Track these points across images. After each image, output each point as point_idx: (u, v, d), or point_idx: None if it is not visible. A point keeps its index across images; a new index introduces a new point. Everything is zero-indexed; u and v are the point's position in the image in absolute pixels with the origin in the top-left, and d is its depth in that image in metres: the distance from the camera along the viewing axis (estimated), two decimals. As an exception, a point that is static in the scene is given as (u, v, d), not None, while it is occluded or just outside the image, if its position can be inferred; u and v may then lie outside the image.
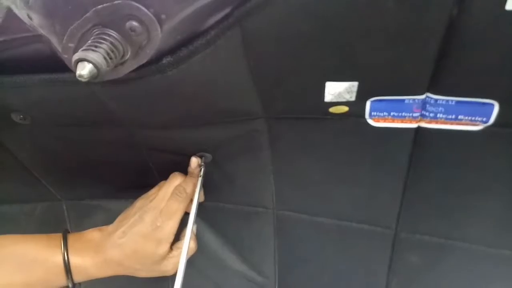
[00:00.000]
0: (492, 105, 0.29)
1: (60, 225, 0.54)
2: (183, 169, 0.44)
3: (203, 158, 0.43)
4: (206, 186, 0.46)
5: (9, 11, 0.27)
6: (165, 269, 0.41)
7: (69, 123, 0.38)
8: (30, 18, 0.27)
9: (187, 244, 0.38)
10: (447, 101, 0.30)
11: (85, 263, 0.39)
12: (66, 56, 0.27)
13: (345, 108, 0.34)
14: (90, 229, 0.43)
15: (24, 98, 0.34)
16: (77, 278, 0.39)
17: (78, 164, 0.46)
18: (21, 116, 0.37)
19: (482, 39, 0.25)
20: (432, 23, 0.24)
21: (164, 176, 0.45)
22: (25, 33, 0.29)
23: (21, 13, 0.27)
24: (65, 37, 0.26)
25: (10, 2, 0.27)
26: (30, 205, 0.54)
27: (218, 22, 0.26)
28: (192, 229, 0.45)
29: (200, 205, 0.48)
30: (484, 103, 0.30)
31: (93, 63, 0.24)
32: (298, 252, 0.47)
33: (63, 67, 0.29)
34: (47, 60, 0.31)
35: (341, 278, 0.45)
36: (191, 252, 0.43)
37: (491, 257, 0.37)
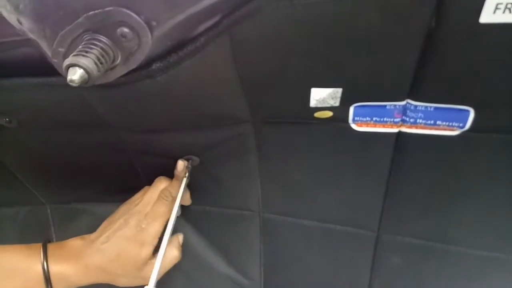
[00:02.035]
0: (468, 111, 0.31)
1: (44, 229, 0.54)
2: (171, 172, 0.44)
3: (190, 161, 0.43)
4: (192, 189, 0.47)
5: (-1, 15, 0.28)
6: (146, 275, 0.40)
7: (56, 126, 0.38)
8: (20, 23, 0.27)
9: (164, 247, 0.38)
10: (426, 107, 0.32)
11: (66, 271, 0.38)
12: (55, 60, 0.28)
13: (329, 113, 0.35)
14: (73, 238, 0.42)
15: (10, 101, 0.34)
16: (58, 286, 0.38)
17: (64, 167, 0.46)
18: (7, 119, 0.37)
19: (459, 50, 0.26)
20: (412, 34, 0.26)
21: (151, 180, 0.45)
22: (13, 37, 0.29)
23: (10, 17, 0.27)
24: (55, 42, 0.26)
25: (0, 6, 0.27)
26: (13, 209, 0.53)
27: (208, 29, 0.27)
28: (178, 239, 0.45)
29: (186, 209, 0.49)
30: (460, 109, 0.31)
31: (84, 69, 0.24)
32: (283, 255, 0.47)
33: (51, 71, 0.29)
34: (35, 64, 0.31)
35: (326, 279, 0.46)
36: (175, 261, 0.43)
37: (470, 258, 0.38)
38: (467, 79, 0.28)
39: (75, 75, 0.24)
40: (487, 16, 0.23)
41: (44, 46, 0.28)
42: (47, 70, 0.30)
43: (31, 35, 0.28)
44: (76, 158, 0.44)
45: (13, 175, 0.47)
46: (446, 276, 0.40)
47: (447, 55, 0.27)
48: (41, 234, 0.54)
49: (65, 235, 0.53)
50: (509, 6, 0.22)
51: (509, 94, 0.29)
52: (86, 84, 0.25)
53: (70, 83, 0.24)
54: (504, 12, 0.22)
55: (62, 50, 0.27)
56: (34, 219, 0.54)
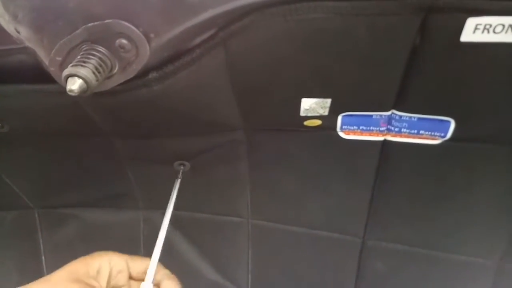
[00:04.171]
0: (449, 122, 0.33)
1: (32, 234, 0.53)
2: (161, 178, 0.45)
3: (181, 166, 0.44)
4: (182, 195, 0.47)
5: (-5, 23, 0.28)
6: None
7: (48, 132, 0.38)
8: (18, 32, 0.27)
9: (153, 272, 0.35)
10: (410, 117, 0.34)
11: None
12: (52, 69, 0.28)
13: (318, 122, 0.36)
14: None
15: (3, 107, 0.34)
16: None
17: (55, 172, 0.46)
18: (-1, 124, 0.37)
19: (440, 65, 0.28)
20: (398, 49, 0.27)
21: (142, 185, 0.45)
22: (10, 45, 0.29)
23: (8, 26, 0.27)
24: (53, 51, 0.27)
25: (-2, 15, 0.27)
26: (0, 213, 0.53)
27: (204, 42, 0.28)
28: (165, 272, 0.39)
29: (175, 215, 0.49)
30: (442, 120, 0.33)
31: (83, 79, 0.25)
32: (271, 261, 0.48)
33: (46, 78, 0.30)
34: (30, 71, 0.31)
35: (312, 285, 0.47)
36: None
37: (450, 263, 0.40)
38: (448, 92, 0.30)
39: (74, 85, 0.25)
40: (467, 36, 0.24)
41: (41, 54, 0.28)
42: (42, 77, 0.30)
43: (28, 44, 0.28)
44: (67, 163, 0.44)
45: (1, 179, 0.47)
46: (430, 281, 0.42)
47: (430, 70, 0.28)
48: (28, 239, 0.54)
49: (53, 240, 0.54)
50: (487, 26, 0.24)
51: (488, 106, 0.31)
52: (85, 94, 0.25)
53: (70, 93, 0.24)
54: (483, 32, 0.24)
55: (59, 59, 0.27)
56: (22, 223, 0.53)
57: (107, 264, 0.35)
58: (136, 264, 0.37)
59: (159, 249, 0.37)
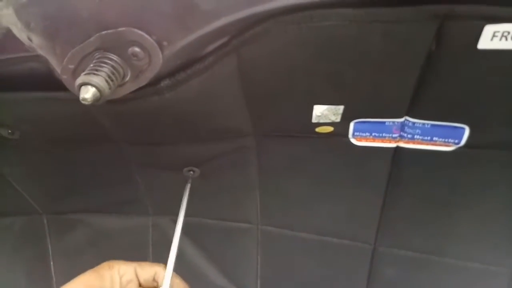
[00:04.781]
0: (464, 128, 0.32)
1: (40, 240, 0.53)
2: (170, 184, 0.44)
3: (191, 172, 0.44)
4: (191, 201, 0.47)
5: (8, 31, 0.28)
6: None
7: (58, 139, 0.38)
8: (30, 40, 0.27)
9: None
10: (424, 124, 0.33)
11: None
12: (65, 77, 0.28)
13: (330, 128, 0.36)
14: None
15: (14, 114, 0.34)
16: None
17: (64, 178, 0.46)
18: (9, 131, 0.37)
19: (456, 72, 0.27)
20: (413, 56, 0.27)
21: (151, 191, 0.45)
22: (22, 53, 0.29)
23: (21, 34, 0.27)
24: (65, 59, 0.27)
25: (11, 23, 0.27)
26: (9, 219, 0.53)
27: (216, 49, 0.27)
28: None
29: (184, 221, 0.49)
30: (456, 127, 0.32)
31: (96, 87, 0.25)
32: (281, 267, 0.48)
33: (57, 86, 0.30)
34: (42, 78, 0.31)
35: None
36: None
37: (464, 270, 0.40)
38: (463, 99, 0.30)
39: (87, 94, 0.24)
40: (484, 43, 0.24)
41: (54, 62, 0.28)
42: (54, 85, 0.30)
43: (40, 52, 0.28)
44: (77, 169, 0.44)
45: (10, 185, 0.47)
46: None
47: (445, 77, 0.28)
48: (36, 244, 0.54)
49: (61, 246, 0.53)
50: (505, 34, 0.23)
51: (502, 113, 0.30)
52: (98, 102, 0.25)
53: (83, 102, 0.24)
54: (500, 39, 0.23)
55: (72, 67, 0.27)
56: (30, 229, 0.53)
57: (117, 274, 0.35)
58: (144, 271, 0.37)
59: (173, 257, 0.36)
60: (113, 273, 0.34)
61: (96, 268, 0.34)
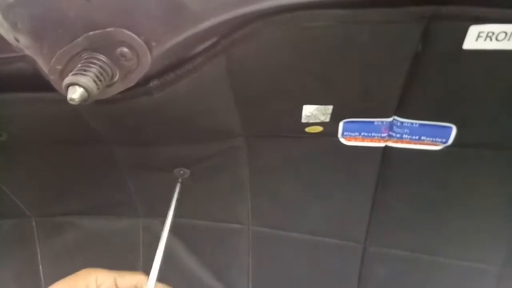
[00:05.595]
0: (451, 128, 0.33)
1: (29, 243, 0.53)
2: (161, 185, 0.44)
3: (181, 173, 0.44)
4: (182, 203, 0.47)
5: (-6, 32, 0.27)
6: None
7: (47, 140, 0.38)
8: (17, 40, 0.27)
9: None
10: (412, 123, 0.33)
11: None
12: (52, 77, 0.28)
13: (320, 128, 0.36)
14: None
15: (2, 115, 0.34)
16: None
17: (53, 180, 0.45)
18: (-4, 132, 0.37)
19: (442, 72, 0.28)
20: (400, 56, 0.27)
21: (141, 192, 0.45)
22: (9, 53, 0.29)
23: (7, 35, 0.27)
24: (53, 60, 0.27)
25: (-3, 24, 0.27)
26: None
27: (205, 50, 0.27)
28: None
29: (174, 222, 0.49)
30: (444, 126, 0.33)
31: (84, 87, 0.24)
32: (272, 268, 0.48)
33: (45, 86, 0.29)
34: (30, 79, 0.31)
35: None
36: None
37: (453, 268, 0.40)
38: (450, 98, 0.30)
39: (75, 94, 0.24)
40: (470, 43, 0.24)
41: (41, 63, 0.28)
42: (42, 85, 0.30)
43: (27, 52, 0.28)
44: (66, 171, 0.44)
45: None
46: (432, 287, 0.42)
47: (432, 77, 0.28)
48: (25, 247, 0.53)
49: (50, 248, 0.53)
50: (490, 34, 0.24)
51: (489, 112, 0.31)
52: (85, 102, 0.25)
53: (70, 102, 0.24)
54: (485, 40, 0.24)
55: (59, 67, 0.27)
56: (19, 232, 0.52)
57: (93, 282, 0.34)
58: (124, 280, 0.36)
59: (158, 261, 0.36)
60: (90, 282, 0.34)
61: (72, 276, 0.34)
